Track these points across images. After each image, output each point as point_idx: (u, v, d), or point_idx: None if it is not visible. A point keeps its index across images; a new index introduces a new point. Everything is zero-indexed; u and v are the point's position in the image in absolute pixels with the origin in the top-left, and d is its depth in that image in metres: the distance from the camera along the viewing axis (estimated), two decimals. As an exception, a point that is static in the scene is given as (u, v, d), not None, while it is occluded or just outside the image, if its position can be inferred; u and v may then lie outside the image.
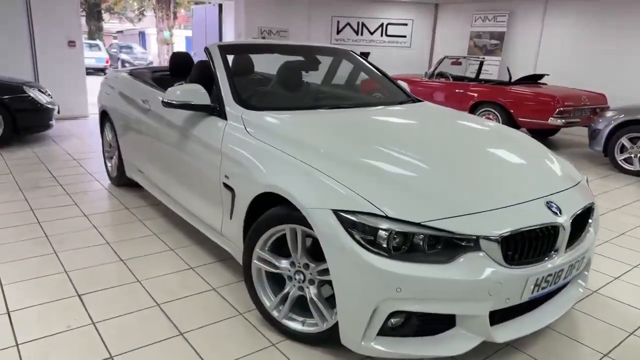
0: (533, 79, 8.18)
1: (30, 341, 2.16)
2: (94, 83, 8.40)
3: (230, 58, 3.08)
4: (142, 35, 32.87)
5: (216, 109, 2.76)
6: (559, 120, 6.86)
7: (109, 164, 4.60)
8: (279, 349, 2.19)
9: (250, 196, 2.31)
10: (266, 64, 3.79)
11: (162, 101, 2.80)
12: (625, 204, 4.68)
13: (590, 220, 2.32)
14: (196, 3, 22.94)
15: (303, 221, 2.04)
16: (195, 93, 2.75)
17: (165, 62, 25.52)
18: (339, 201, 1.92)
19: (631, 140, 5.98)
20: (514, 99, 7.30)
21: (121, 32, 35.67)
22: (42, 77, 7.73)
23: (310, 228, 2.02)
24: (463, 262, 1.84)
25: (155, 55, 27.16)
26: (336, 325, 2.03)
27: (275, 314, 2.28)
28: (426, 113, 3.20)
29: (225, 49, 3.09)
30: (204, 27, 10.87)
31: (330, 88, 3.71)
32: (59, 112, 6.52)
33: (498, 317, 1.99)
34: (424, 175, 2.10)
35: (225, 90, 2.81)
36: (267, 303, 2.31)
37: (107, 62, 21.08)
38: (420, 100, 3.47)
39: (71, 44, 7.96)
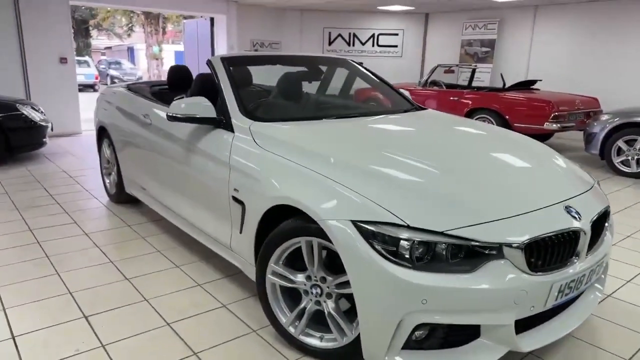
0: (526, 85, 8.24)
1: (38, 367, 2.08)
2: (84, 100, 8.35)
3: (233, 70, 3.04)
4: (130, 50, 32.81)
5: (222, 122, 2.71)
6: (554, 125, 6.90)
7: (107, 181, 4.52)
8: (297, 366, 2.12)
9: (262, 209, 2.26)
10: (262, 76, 3.75)
11: (167, 115, 2.75)
12: (627, 206, 4.69)
13: (606, 224, 2.30)
14: (185, 18, 23.03)
15: (319, 233, 2.00)
16: (200, 106, 2.70)
17: (154, 77, 25.46)
18: (357, 211, 1.88)
19: (627, 142, 6.02)
20: (509, 104, 7.34)
21: (109, 48, 35.58)
22: (33, 94, 7.64)
23: (327, 240, 1.97)
24: (487, 270, 1.79)
25: (145, 71, 27.11)
26: (356, 339, 1.98)
27: (291, 330, 2.21)
28: (433, 120, 3.18)
29: (228, 61, 3.05)
30: (196, 41, 10.85)
31: (334, 98, 3.68)
32: (52, 130, 6.44)
33: (521, 326, 1.95)
34: (439, 182, 2.06)
35: (231, 103, 2.76)
36: (282, 319, 2.24)
37: (96, 78, 20.96)
38: (423, 108, 3.46)
39: (63, 60, 7.89)
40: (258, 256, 2.28)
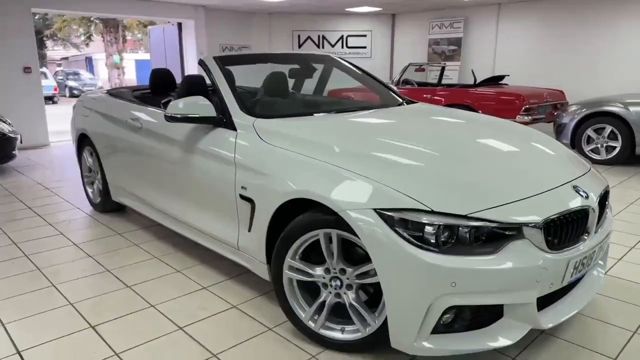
0: (495, 80, 8.48)
1: (52, 380, 1.98)
2: (47, 113, 8.04)
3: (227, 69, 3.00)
4: (89, 60, 31.87)
5: (223, 121, 2.68)
6: (526, 117, 7.12)
7: (89, 190, 4.38)
8: (321, 360, 2.11)
9: (275, 205, 2.23)
10: (244, 78, 3.72)
11: (165, 116, 2.68)
12: (603, 191, 4.88)
13: (607, 202, 2.39)
14: (145, 26, 22.52)
15: (338, 225, 1.99)
16: (199, 105, 2.65)
17: (116, 86, 24.80)
18: (379, 200, 1.88)
19: (596, 131, 6.28)
20: (481, 99, 7.53)
21: (66, 58, 34.46)
22: (-3, 106, 7.32)
23: (347, 231, 1.97)
24: (509, 251, 1.84)
25: (106, 80, 26.40)
26: (380, 329, 1.99)
27: (311, 324, 2.20)
28: (430, 111, 3.23)
29: (221, 60, 3.01)
30: (163, 48, 10.64)
31: (324, 94, 3.70)
32: (21, 142, 6.18)
33: (540, 304, 2.00)
34: (452, 168, 2.09)
35: (230, 101, 2.73)
36: (301, 314, 2.22)
37: (55, 89, 20.27)
38: (415, 102, 3.51)
39: (27, 70, 7.60)
40: (273, 252, 2.26)
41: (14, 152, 5.91)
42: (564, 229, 1.97)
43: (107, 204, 4.10)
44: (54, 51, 34.07)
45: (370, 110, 3.12)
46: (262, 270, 2.46)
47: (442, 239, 1.81)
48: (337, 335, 2.15)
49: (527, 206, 1.93)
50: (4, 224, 3.96)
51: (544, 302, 2.04)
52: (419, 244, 1.80)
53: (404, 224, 1.83)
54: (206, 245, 2.89)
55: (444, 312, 1.83)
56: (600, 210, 2.26)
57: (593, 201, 2.10)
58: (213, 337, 2.29)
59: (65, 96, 23.44)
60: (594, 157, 6.30)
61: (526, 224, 1.86)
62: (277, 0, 9.27)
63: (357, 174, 2.00)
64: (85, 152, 4.28)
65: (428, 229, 1.80)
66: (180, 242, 3.47)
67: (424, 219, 1.81)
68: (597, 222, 2.20)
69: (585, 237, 2.07)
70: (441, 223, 1.80)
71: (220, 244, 2.76)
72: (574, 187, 2.12)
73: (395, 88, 3.67)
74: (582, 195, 2.08)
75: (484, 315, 1.93)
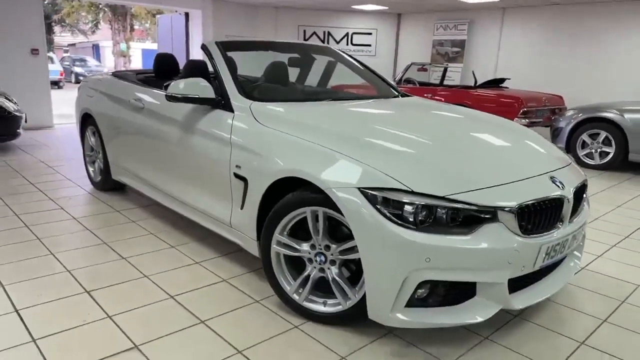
0: (495, 83, 8.58)
1: (47, 336, 2.10)
2: (53, 97, 8.16)
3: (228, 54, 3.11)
4: (96, 47, 31.99)
5: (221, 102, 2.79)
6: (523, 120, 7.21)
7: (90, 169, 4.49)
8: (303, 330, 2.22)
9: (267, 183, 2.35)
10: (246, 67, 3.83)
11: (166, 95, 2.80)
12: (593, 194, 5.00)
13: (584, 196, 2.50)
14: (153, 15, 22.66)
15: (325, 203, 2.11)
16: (199, 86, 2.76)
17: (122, 74, 24.88)
18: (363, 179, 1.99)
19: (591, 136, 6.38)
20: (480, 101, 7.63)
21: (73, 45, 34.59)
22: (3, 85, 7.42)
23: (333, 209, 2.08)
24: (483, 232, 1.95)
25: (112, 68, 26.50)
26: (359, 302, 2.10)
27: (295, 297, 2.31)
28: (421, 104, 3.34)
29: (223, 45, 3.12)
30: (170, 37, 10.75)
31: (325, 81, 3.80)
32: (26, 121, 6.30)
33: (513, 287, 2.11)
34: (437, 153, 2.21)
35: (229, 84, 2.84)
36: (287, 287, 2.34)
37: (61, 74, 20.37)
38: (410, 95, 3.62)
39: (34, 51, 7.71)
40: (263, 228, 2.37)
41: (18, 130, 6.02)
42: (538, 216, 2.08)
43: (107, 183, 4.21)
44: (62, 37, 34.20)
45: (366, 100, 3.23)
46: (252, 247, 2.57)
47: (420, 218, 1.92)
48: (319, 307, 2.26)
49: (503, 192, 2.04)
50: (7, 196, 4.08)
51: (518, 285, 2.16)
52: (399, 221, 1.91)
53: (386, 202, 1.94)
54: (200, 223, 3.00)
55: (419, 287, 1.95)
56: (577, 203, 2.38)
57: (568, 192, 2.21)
58: (202, 306, 2.40)
59: (70, 82, 23.55)
60: (588, 161, 6.40)
61: (501, 208, 1.97)
62: (284, -5, 9.38)
63: (345, 156, 2.11)
64: (88, 131, 4.39)
65: (407, 207, 1.91)
66: (176, 221, 3.59)
67: (404, 198, 1.92)
68: (573, 213, 2.31)
69: (559, 226, 2.18)
70: (420, 203, 1.91)
71: (213, 221, 2.87)
72: (551, 177, 2.23)
73: (391, 81, 3.77)
74: (558, 186, 2.19)
75: (458, 293, 2.04)
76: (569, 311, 2.52)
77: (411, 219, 1.91)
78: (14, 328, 2.15)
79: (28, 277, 2.65)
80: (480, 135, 2.62)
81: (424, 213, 1.92)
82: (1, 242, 3.10)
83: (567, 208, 2.20)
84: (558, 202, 2.15)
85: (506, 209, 1.97)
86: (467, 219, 1.96)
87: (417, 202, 1.91)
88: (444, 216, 1.93)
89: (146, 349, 2.03)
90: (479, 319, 2.01)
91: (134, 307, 2.37)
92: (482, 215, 1.96)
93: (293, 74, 3.86)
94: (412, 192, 1.93)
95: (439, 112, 3.10)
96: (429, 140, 2.33)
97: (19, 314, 2.27)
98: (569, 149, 6.57)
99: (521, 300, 2.12)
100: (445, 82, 9.17)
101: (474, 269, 1.94)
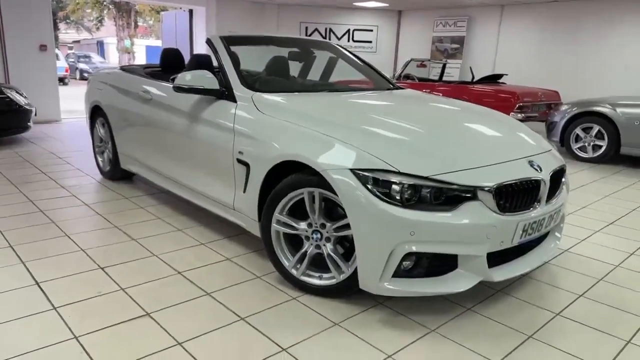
0: (493, 79, 8.74)
1: (66, 305, 2.30)
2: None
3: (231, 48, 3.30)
4: (100, 44, 32.25)
5: (225, 93, 2.98)
6: (519, 115, 7.38)
7: (100, 159, 4.69)
8: (300, 301, 2.42)
9: (267, 167, 2.54)
10: (248, 62, 4.02)
11: (173, 86, 2.99)
12: (583, 185, 5.17)
13: (563, 180, 2.69)
14: (157, 12, 22.88)
15: (321, 184, 2.30)
16: (205, 78, 2.95)
17: (126, 71, 25.10)
18: (355, 162, 2.19)
19: (584, 130, 6.55)
20: (477, 96, 7.80)
21: (78, 41, 34.85)
22: (13, 80, 7.64)
23: (328, 190, 2.27)
24: (464, 209, 2.14)
25: (116, 64, 26.72)
26: (352, 275, 2.29)
27: (293, 272, 2.51)
28: (413, 95, 3.53)
29: (227, 40, 3.31)
30: (174, 33, 10.95)
31: (324, 75, 3.99)
32: (35, 115, 6.50)
33: (494, 261, 2.30)
34: (423, 138, 2.41)
35: (232, 76, 3.03)
36: (286, 263, 2.53)
37: (66, 71, 20.59)
38: (403, 88, 3.80)
39: (43, 47, 7.92)
40: (264, 208, 2.56)
41: (29, 123, 6.23)
42: (516, 196, 2.27)
43: (116, 172, 4.42)
44: (67, 34, 34.46)
45: (362, 92, 3.42)
46: (254, 227, 2.77)
47: (406, 196, 2.11)
48: (315, 281, 2.46)
49: (482, 173, 2.23)
50: (21, 185, 4.29)
51: (499, 260, 2.35)
52: (386, 199, 2.10)
53: (375, 182, 2.13)
54: (205, 207, 3.20)
55: (404, 259, 2.14)
56: (555, 185, 2.56)
57: (545, 175, 2.40)
58: (208, 280, 2.60)
59: (75, 78, 23.80)
60: (581, 154, 6.57)
61: (480, 188, 2.16)
62: (286, -8, 9.55)
63: (340, 141, 2.30)
64: (97, 123, 4.59)
65: (394, 187, 2.11)
66: (182, 207, 3.79)
67: (392, 178, 2.11)
68: (551, 195, 2.50)
69: (537, 206, 2.37)
70: (405, 182, 2.10)
71: (218, 205, 3.07)
72: (529, 161, 2.42)
73: (386, 75, 3.97)
74: (535, 169, 2.38)
75: (441, 266, 2.23)
76: (549, 287, 2.71)
77: (398, 197, 2.10)
78: (36, 298, 2.36)
79: (46, 255, 2.85)
80: (465, 122, 2.82)
81: (409, 192, 2.11)
82: (19, 225, 3.31)
83: (544, 189, 2.38)
84: (535, 183, 2.34)
85: (485, 189, 2.16)
86: (449, 197, 2.15)
87: (403, 182, 2.10)
88: (428, 194, 2.12)
89: (157, 316, 2.23)
90: (460, 289, 2.20)
91: (144, 281, 2.57)
92: (463, 194, 2.15)
93: (296, 69, 4.06)
94: (399, 173, 2.12)
95: (428, 102, 3.30)
96: (416, 126, 2.52)
97: (39, 286, 2.47)
98: (563, 142, 6.74)
99: (500, 273, 2.31)
100: (444, 78, 9.34)
101: (454, 242, 2.13)
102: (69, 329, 2.10)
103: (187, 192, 3.37)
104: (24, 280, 2.53)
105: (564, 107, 6.86)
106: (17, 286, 2.46)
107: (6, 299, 2.33)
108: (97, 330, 2.10)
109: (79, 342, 2.01)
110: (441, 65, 9.58)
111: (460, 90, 8.06)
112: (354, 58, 3.99)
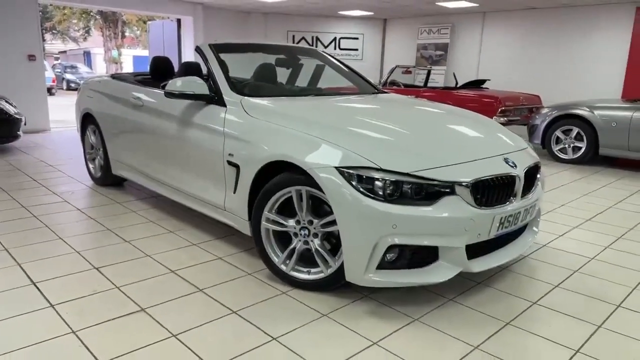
0: (476, 84, 8.96)
1: (63, 302, 2.38)
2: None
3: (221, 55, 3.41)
4: (87, 55, 32.16)
5: (214, 98, 3.09)
6: (501, 119, 7.58)
7: (91, 166, 4.76)
8: (289, 295, 2.52)
9: (257, 168, 2.65)
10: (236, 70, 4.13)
11: (165, 92, 3.09)
12: (563, 184, 5.35)
13: (538, 176, 2.83)
14: (144, 22, 22.95)
15: (307, 182, 2.41)
16: (195, 84, 3.06)
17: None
18: (340, 160, 2.31)
19: (564, 132, 6.76)
20: (461, 101, 7.98)
21: (64, 52, 34.73)
22: (2, 90, 7.66)
23: (314, 187, 2.39)
24: (442, 204, 2.26)
25: (103, 74, 26.68)
26: (338, 269, 2.40)
27: (283, 267, 2.61)
28: (396, 99, 3.68)
29: (216, 47, 3.43)
30: (162, 42, 11.04)
31: (310, 81, 4.13)
32: (25, 124, 6.55)
33: (473, 253, 2.42)
34: (404, 138, 2.54)
35: (222, 82, 3.14)
36: (275, 259, 2.64)
37: (53, 81, 20.54)
38: (387, 92, 3.95)
39: (31, 58, 7.97)
40: (253, 207, 2.67)
41: (18, 132, 6.28)
42: (492, 191, 2.40)
43: (107, 178, 4.49)
44: (52, 44, 34.33)
45: (346, 96, 3.55)
46: (244, 227, 2.87)
47: (388, 192, 2.23)
48: (304, 276, 2.57)
49: (461, 169, 2.36)
50: (13, 192, 4.34)
51: (478, 252, 2.48)
52: (370, 195, 2.22)
53: (359, 179, 2.25)
54: (196, 209, 3.29)
55: (388, 251, 2.26)
56: (530, 181, 2.71)
57: (520, 171, 2.54)
58: (200, 277, 2.70)
59: (62, 89, 23.72)
60: (561, 156, 6.77)
61: (458, 183, 2.29)
62: (273, 1, 9.71)
63: (325, 141, 2.42)
64: (88, 130, 4.67)
65: (377, 183, 2.23)
66: (173, 210, 3.87)
67: (374, 175, 2.24)
68: (527, 190, 2.64)
69: (512, 200, 2.51)
70: (387, 178, 2.23)
71: (209, 206, 3.16)
72: (505, 159, 2.56)
73: (371, 80, 4.11)
74: (510, 165, 2.52)
75: (423, 258, 2.35)
76: (527, 279, 2.84)
77: (380, 193, 2.22)
78: (33, 296, 2.43)
79: (41, 257, 2.92)
80: (444, 123, 2.97)
81: (391, 187, 2.23)
82: (14, 229, 3.37)
83: (519, 185, 2.52)
84: (510, 179, 2.48)
85: (463, 184, 2.29)
86: (429, 192, 2.27)
87: (385, 178, 2.23)
88: (409, 190, 2.25)
89: (152, 311, 2.32)
90: (441, 279, 2.32)
91: (139, 279, 2.66)
92: (442, 189, 2.28)
93: (284, 76, 4.18)
94: (382, 170, 2.24)
95: (409, 104, 3.45)
96: (398, 127, 2.66)
97: (36, 286, 2.54)
98: (544, 144, 6.94)
99: (479, 264, 2.44)
100: (429, 84, 9.54)
101: (434, 234, 2.26)
102: (67, 324, 2.18)
103: (178, 195, 3.47)
104: (20, 281, 2.60)
105: (544, 111, 7.07)
106: (14, 286, 2.53)
107: (4, 298, 2.40)
108: (94, 325, 2.18)
109: (77, 336, 2.09)
110: (426, 71, 9.79)
111: (444, 95, 8.25)
112: (339, 64, 4.13)
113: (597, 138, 6.42)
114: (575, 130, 6.62)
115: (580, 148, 6.62)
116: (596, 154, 6.51)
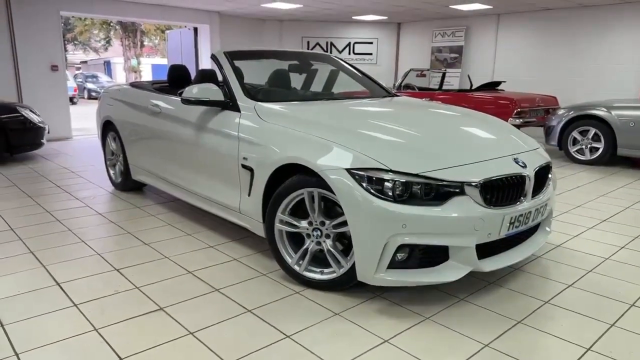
0: (491, 86, 8.93)
1: (86, 302, 2.47)
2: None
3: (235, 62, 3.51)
4: (107, 64, 32.87)
5: (229, 104, 3.18)
6: (517, 120, 7.54)
7: (111, 172, 4.90)
8: (303, 295, 2.58)
9: (270, 171, 2.72)
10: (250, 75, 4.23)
11: (181, 99, 3.19)
12: (579, 186, 5.31)
13: (549, 176, 2.85)
14: (162, 31, 23.42)
15: (319, 184, 2.47)
16: (210, 90, 3.15)
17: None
18: (351, 162, 2.36)
19: (581, 133, 6.69)
20: (477, 103, 7.97)
21: (85, 62, 35.54)
22: (26, 99, 7.93)
23: (326, 189, 2.44)
24: (452, 204, 2.30)
25: (123, 83, 27.22)
26: (350, 269, 2.45)
27: (296, 268, 2.67)
28: (408, 101, 3.73)
29: (230, 55, 3.52)
30: (180, 50, 11.26)
31: (325, 86, 4.20)
32: (48, 132, 6.75)
33: (484, 252, 2.45)
34: (414, 139, 2.58)
35: (236, 88, 3.23)
36: (289, 260, 2.70)
37: (75, 90, 21.05)
38: (398, 95, 3.99)
39: (54, 68, 8.22)
40: (267, 209, 2.74)
41: (42, 140, 6.48)
42: (502, 190, 2.43)
43: (127, 183, 4.62)
44: (74, 55, 35.16)
45: (359, 100, 3.61)
46: (258, 228, 2.94)
47: (398, 192, 2.28)
48: (317, 276, 2.62)
49: (470, 169, 2.39)
50: (37, 197, 4.50)
51: (489, 252, 2.50)
52: (380, 195, 2.27)
53: (369, 180, 2.30)
54: (213, 212, 3.37)
55: (398, 251, 2.30)
56: (541, 181, 2.72)
57: (530, 171, 2.56)
58: (216, 278, 2.77)
59: (84, 98, 24.27)
60: (579, 157, 6.70)
61: (467, 183, 2.33)
62: (288, 8, 9.83)
63: (336, 144, 2.48)
64: (109, 137, 4.81)
65: (387, 184, 2.28)
66: (191, 214, 3.97)
67: (384, 176, 2.28)
68: (538, 190, 2.66)
69: (522, 200, 2.53)
70: (397, 179, 2.27)
71: (224, 209, 3.25)
72: (515, 159, 2.59)
73: (383, 84, 4.16)
74: (520, 165, 2.55)
75: (433, 257, 2.39)
76: (539, 278, 2.85)
77: (390, 194, 2.27)
78: (57, 296, 2.54)
79: (65, 259, 3.04)
80: (455, 124, 3.00)
81: (401, 188, 2.28)
82: (38, 233, 3.51)
83: (529, 185, 2.54)
84: (520, 179, 2.50)
85: (472, 184, 2.33)
86: (438, 192, 2.31)
87: (395, 179, 2.27)
88: (419, 190, 2.29)
89: (170, 310, 2.40)
90: (452, 278, 2.36)
91: (158, 280, 2.75)
92: (452, 189, 2.32)
93: (299, 82, 4.26)
94: (391, 171, 2.29)
95: (420, 107, 3.49)
96: (408, 129, 2.70)
97: (60, 286, 2.65)
98: (561, 145, 6.88)
99: (489, 264, 2.46)
100: (444, 87, 9.53)
101: (444, 234, 2.29)
102: (89, 322, 2.28)
103: (195, 198, 3.56)
104: (45, 282, 2.71)
105: (561, 111, 7.01)
106: (40, 286, 2.65)
107: (30, 298, 2.51)
108: (115, 323, 2.27)
109: (99, 333, 2.18)
110: (441, 74, 9.78)
111: (460, 98, 8.24)
112: (351, 69, 4.19)
113: (614, 138, 6.35)
114: (593, 131, 6.55)
115: (597, 149, 6.55)
116: (614, 155, 6.43)
